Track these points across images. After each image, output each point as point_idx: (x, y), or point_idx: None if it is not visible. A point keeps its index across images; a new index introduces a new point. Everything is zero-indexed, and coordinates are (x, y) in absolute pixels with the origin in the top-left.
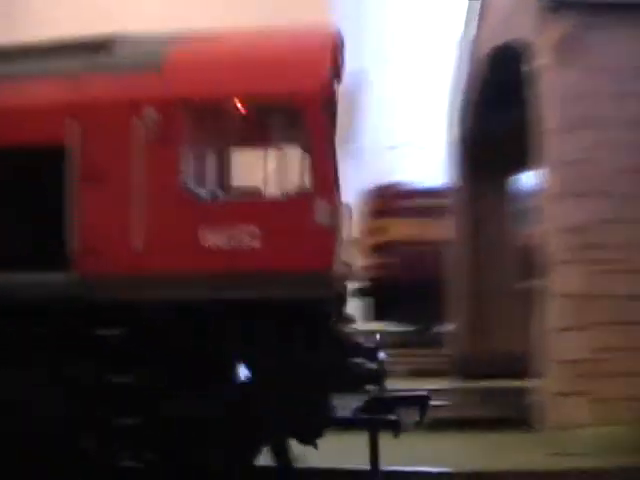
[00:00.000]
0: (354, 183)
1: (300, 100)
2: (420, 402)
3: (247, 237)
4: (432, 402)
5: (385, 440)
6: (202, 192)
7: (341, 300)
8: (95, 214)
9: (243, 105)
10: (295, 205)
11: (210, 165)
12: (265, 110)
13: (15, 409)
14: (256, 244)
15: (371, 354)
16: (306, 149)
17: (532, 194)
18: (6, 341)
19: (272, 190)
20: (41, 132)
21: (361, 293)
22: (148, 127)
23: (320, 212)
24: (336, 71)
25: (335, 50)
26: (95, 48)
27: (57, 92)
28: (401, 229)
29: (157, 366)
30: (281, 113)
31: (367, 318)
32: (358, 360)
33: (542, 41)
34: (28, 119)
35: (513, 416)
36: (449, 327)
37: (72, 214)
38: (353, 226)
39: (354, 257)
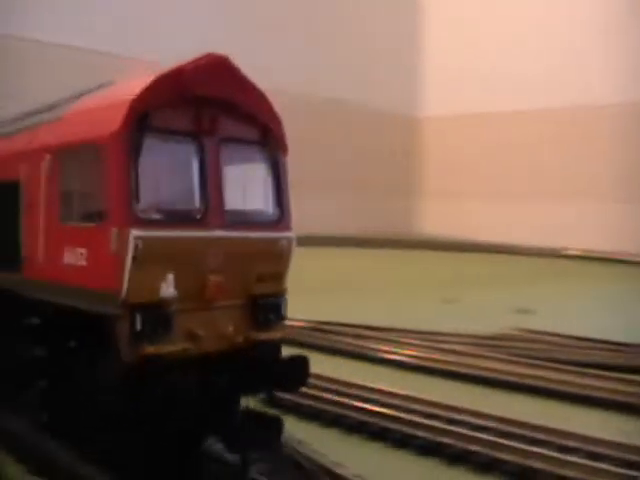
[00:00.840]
0: None
1: (100, 141)
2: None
3: (80, 257)
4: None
5: None
6: (70, 219)
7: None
8: (28, 232)
9: (71, 151)
10: (99, 232)
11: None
12: (82, 153)
13: None
14: (83, 263)
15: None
16: (103, 182)
17: None
18: None
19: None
20: (6, 172)
21: None
22: (47, 169)
23: (112, 240)
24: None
25: (147, 92)
26: (45, 109)
27: (18, 145)
28: None
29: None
30: (91, 154)
31: None
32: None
33: None
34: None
35: None
36: None
37: (22, 231)
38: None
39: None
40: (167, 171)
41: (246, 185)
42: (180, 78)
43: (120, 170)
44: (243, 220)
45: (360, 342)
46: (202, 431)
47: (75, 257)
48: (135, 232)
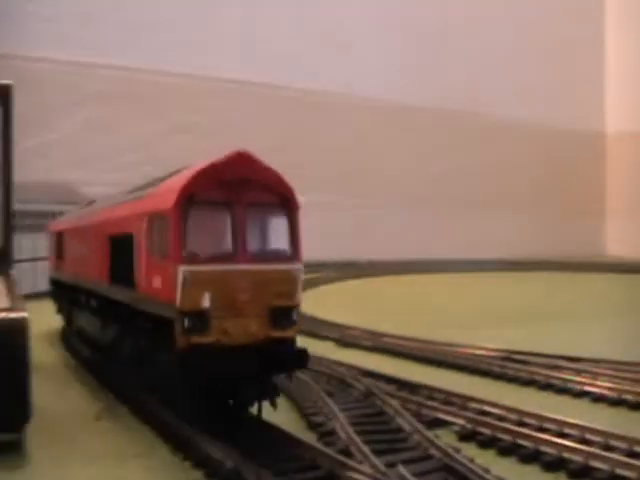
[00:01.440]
0: None
1: (165, 213)
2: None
3: (159, 281)
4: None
5: None
6: (154, 258)
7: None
8: (137, 266)
9: (154, 216)
10: (166, 266)
11: None
12: (159, 218)
13: None
14: (159, 285)
15: None
16: (168, 236)
17: None
18: None
19: None
20: (127, 228)
21: None
22: (145, 227)
23: (171, 271)
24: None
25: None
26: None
27: (131, 210)
28: None
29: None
30: (162, 219)
31: None
32: None
33: None
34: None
35: None
36: None
37: (135, 265)
38: None
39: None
40: (208, 228)
41: (270, 233)
42: (213, 170)
43: (175, 229)
44: (263, 257)
45: (553, 373)
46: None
47: (157, 281)
48: (182, 267)
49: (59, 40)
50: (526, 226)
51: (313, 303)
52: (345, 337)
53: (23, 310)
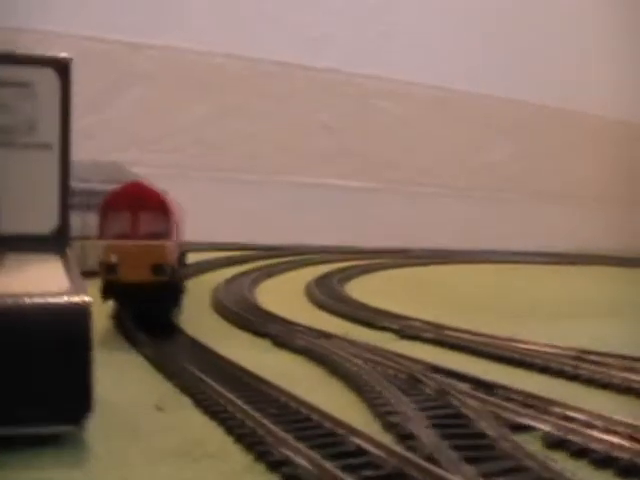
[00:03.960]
0: None
1: None
2: None
3: None
4: None
5: None
6: None
7: None
8: None
9: None
10: None
11: None
12: None
13: None
14: None
15: None
16: None
17: None
18: None
19: None
20: None
21: None
22: None
23: None
24: None
25: None
26: None
27: None
28: None
29: None
30: None
31: None
32: None
33: None
34: None
35: None
36: None
37: None
38: None
39: None
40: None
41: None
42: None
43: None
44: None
45: (633, 376)
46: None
47: None
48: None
49: (110, 20)
50: (590, 218)
51: (367, 290)
52: (405, 328)
53: (85, 293)
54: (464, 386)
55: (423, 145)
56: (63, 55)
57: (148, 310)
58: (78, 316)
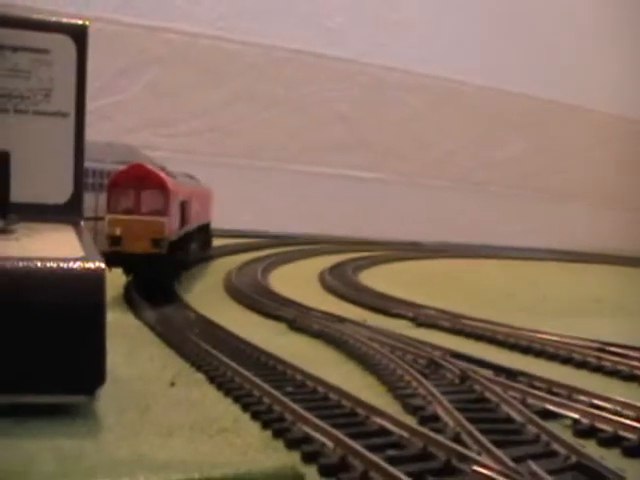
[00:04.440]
0: None
1: None
2: None
3: None
4: None
5: None
6: None
7: None
8: None
9: None
10: None
11: None
12: None
13: None
14: None
15: None
16: None
17: None
18: None
19: None
20: None
21: None
22: None
23: None
24: None
25: None
26: None
27: None
28: None
29: None
30: None
31: None
32: None
33: None
34: None
35: None
36: None
37: None
38: None
39: None
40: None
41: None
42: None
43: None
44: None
45: None
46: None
47: None
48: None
49: (125, 2)
50: (609, 216)
51: (380, 280)
52: (420, 316)
53: (99, 260)
54: (486, 372)
55: (437, 138)
56: (79, 21)
57: (147, 278)
58: (92, 282)
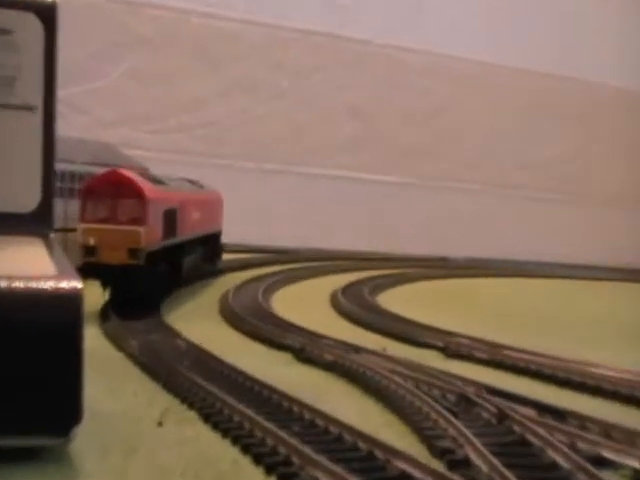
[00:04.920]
0: None
1: None
2: None
3: None
4: None
5: None
6: None
7: None
8: None
9: None
10: None
11: None
12: None
13: None
14: None
15: None
16: None
17: None
18: None
19: None
20: None
21: None
22: None
23: None
24: None
25: None
26: None
27: None
28: None
29: None
30: None
31: None
32: None
33: None
34: None
35: None
36: None
37: None
38: None
39: None
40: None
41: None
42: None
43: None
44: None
45: None
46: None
47: None
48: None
49: None
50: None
51: (403, 302)
52: (451, 345)
53: (75, 278)
54: (528, 411)
55: (466, 133)
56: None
57: (125, 293)
58: (67, 304)
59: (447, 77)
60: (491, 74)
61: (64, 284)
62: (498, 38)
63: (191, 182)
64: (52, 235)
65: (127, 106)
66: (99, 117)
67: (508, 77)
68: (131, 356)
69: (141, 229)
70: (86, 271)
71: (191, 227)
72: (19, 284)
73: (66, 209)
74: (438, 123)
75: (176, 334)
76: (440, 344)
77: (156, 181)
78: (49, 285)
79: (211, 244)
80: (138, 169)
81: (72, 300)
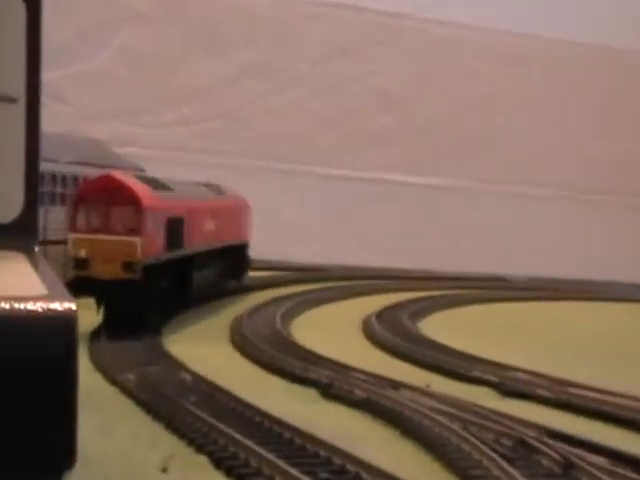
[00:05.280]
0: None
1: None
2: None
3: None
4: None
5: None
6: None
7: None
8: None
9: None
10: None
11: None
12: None
13: None
14: None
15: None
16: None
17: None
18: None
19: None
20: None
21: None
22: None
23: None
24: None
25: None
26: None
27: None
28: None
29: None
30: None
31: None
32: None
33: None
34: None
35: None
36: None
37: None
38: None
39: None
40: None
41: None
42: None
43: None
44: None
45: None
46: None
47: None
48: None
49: None
50: None
51: (449, 330)
52: (509, 381)
53: (68, 299)
54: (598, 459)
55: (529, 124)
56: None
57: (120, 312)
58: (60, 329)
59: (498, 55)
60: (555, 51)
61: (56, 305)
62: (563, 7)
63: (208, 186)
64: (37, 248)
65: (118, 95)
66: (85, 108)
67: (578, 55)
68: (127, 391)
69: (137, 239)
70: (76, 287)
71: (203, 238)
72: (3, 306)
73: (46, 217)
74: (490, 112)
75: (180, 365)
76: (494, 380)
77: (158, 186)
78: (39, 307)
79: (233, 257)
80: (132, 170)
81: (65, 324)
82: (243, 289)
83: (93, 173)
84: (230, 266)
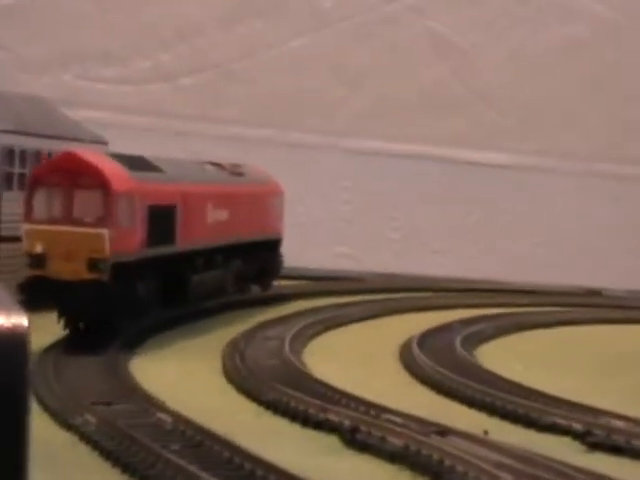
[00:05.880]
0: None
1: None
2: None
3: None
4: None
5: None
6: None
7: None
8: None
9: None
10: None
11: None
12: None
13: None
14: None
15: None
16: None
17: None
18: None
19: None
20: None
21: None
22: None
23: None
24: None
25: None
26: None
27: None
28: None
29: None
30: None
31: None
32: None
33: None
34: None
35: None
36: None
37: None
38: None
39: None
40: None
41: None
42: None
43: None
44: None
45: None
46: None
47: None
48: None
49: None
50: None
51: (519, 361)
52: (597, 430)
53: (19, 313)
54: None
55: (628, 85)
56: None
57: (82, 322)
58: (8, 351)
59: None
60: None
61: (2, 320)
62: None
63: (218, 166)
64: None
65: (71, 36)
66: (24, 54)
67: None
68: (86, 438)
69: (105, 232)
70: (30, 289)
71: (207, 231)
72: None
73: None
74: (581, 68)
75: (156, 402)
76: (578, 427)
77: (137, 166)
78: None
79: (258, 257)
80: (89, 142)
81: (15, 344)
82: (246, 302)
83: (32, 146)
84: (252, 268)
